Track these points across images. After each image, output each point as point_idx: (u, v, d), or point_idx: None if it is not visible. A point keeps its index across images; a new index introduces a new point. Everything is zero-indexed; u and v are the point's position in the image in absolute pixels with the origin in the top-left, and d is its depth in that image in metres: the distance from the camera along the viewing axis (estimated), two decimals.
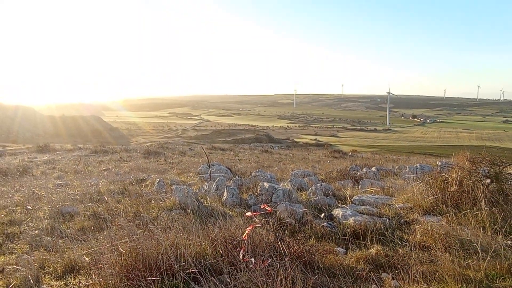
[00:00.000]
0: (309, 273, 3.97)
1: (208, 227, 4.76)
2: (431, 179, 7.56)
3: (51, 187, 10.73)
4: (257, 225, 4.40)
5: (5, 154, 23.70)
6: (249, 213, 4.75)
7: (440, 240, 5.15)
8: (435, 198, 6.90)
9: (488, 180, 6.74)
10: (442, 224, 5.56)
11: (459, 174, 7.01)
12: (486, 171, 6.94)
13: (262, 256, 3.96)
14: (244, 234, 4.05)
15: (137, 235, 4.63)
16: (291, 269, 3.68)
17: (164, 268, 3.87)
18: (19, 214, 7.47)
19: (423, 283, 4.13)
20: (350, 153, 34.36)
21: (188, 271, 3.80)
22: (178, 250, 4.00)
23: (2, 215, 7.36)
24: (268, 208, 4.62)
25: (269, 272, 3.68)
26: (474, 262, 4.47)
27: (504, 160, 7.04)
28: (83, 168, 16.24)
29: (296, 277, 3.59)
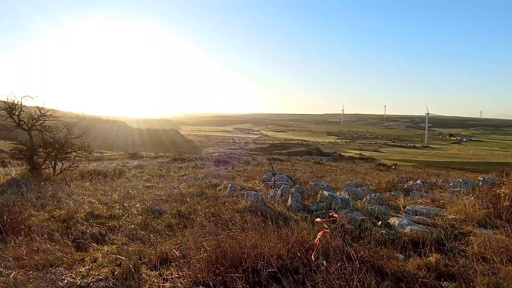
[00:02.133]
0: (378, 277, 3.67)
1: (281, 230, 4.59)
2: (481, 193, 6.99)
3: (141, 188, 10.99)
4: (326, 230, 4.17)
5: (104, 159, 24.99)
6: (318, 219, 4.53)
7: (499, 252, 4.65)
8: (487, 211, 6.34)
9: None
10: (500, 237, 5.03)
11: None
12: None
13: (334, 259, 3.73)
14: (317, 238, 3.84)
15: (220, 234, 4.54)
16: (363, 272, 3.42)
17: (246, 266, 3.74)
18: (117, 210, 7.65)
19: None
20: (393, 167, 32.98)
21: (269, 269, 3.64)
22: (258, 250, 3.86)
23: (104, 210, 7.59)
24: (336, 215, 4.38)
25: (341, 275, 3.44)
26: None
27: None
28: (165, 173, 16.64)
29: (370, 281, 3.31)
